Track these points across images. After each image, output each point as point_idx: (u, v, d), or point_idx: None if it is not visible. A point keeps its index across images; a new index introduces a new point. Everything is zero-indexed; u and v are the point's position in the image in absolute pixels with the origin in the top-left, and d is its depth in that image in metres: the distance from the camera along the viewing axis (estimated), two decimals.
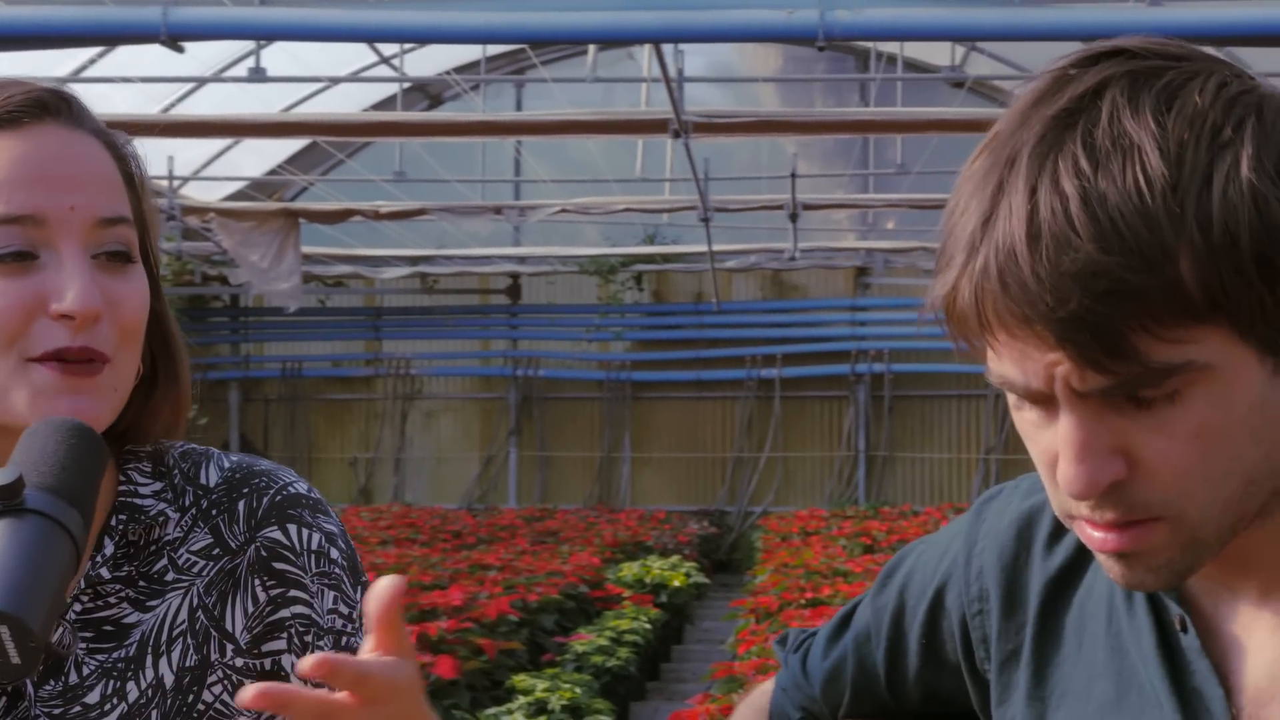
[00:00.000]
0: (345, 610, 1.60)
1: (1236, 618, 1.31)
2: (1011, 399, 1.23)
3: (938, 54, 15.34)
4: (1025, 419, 1.23)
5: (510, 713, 6.96)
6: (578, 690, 7.43)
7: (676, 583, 12.03)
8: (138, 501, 1.55)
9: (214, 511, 1.58)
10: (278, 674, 1.56)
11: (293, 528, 1.59)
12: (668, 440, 18.99)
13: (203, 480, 1.60)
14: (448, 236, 17.56)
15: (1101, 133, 1.14)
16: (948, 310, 1.20)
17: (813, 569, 10.68)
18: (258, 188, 17.17)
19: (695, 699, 5.82)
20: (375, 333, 19.45)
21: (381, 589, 1.22)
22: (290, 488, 1.61)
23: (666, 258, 18.24)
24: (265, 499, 1.60)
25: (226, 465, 1.63)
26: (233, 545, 1.57)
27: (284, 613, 1.57)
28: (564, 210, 14.43)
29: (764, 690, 1.84)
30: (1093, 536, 1.22)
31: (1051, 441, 1.20)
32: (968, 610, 1.54)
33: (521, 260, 18.38)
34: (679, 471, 19.00)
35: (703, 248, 15.91)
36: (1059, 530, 1.48)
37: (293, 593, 1.57)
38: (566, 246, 18.03)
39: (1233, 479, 1.19)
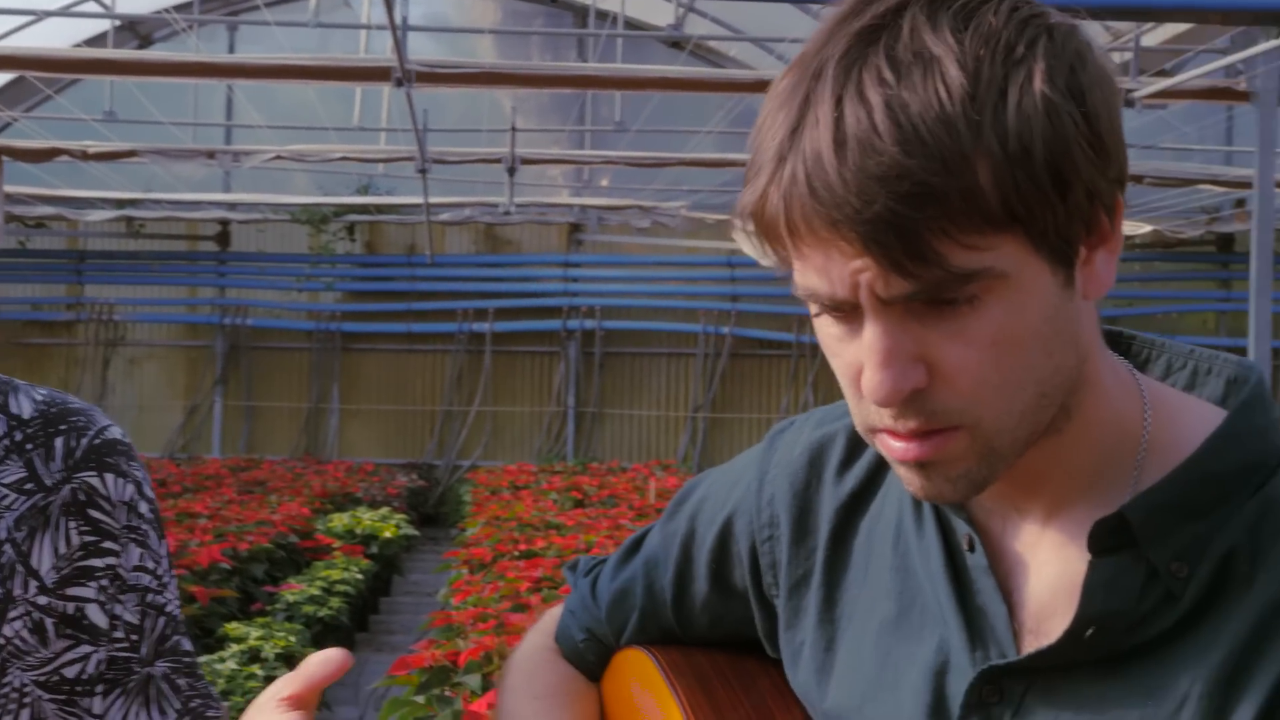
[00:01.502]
0: (151, 566, 1.59)
1: (1022, 536, 1.36)
2: (817, 316, 1.26)
3: (657, 14, 15.43)
4: (830, 334, 1.26)
5: (223, 660, 6.87)
6: (291, 639, 7.38)
7: (388, 534, 12.00)
8: None
9: (29, 445, 1.56)
10: (81, 620, 1.55)
11: (110, 476, 1.57)
12: (377, 392, 18.86)
13: (14, 410, 1.57)
14: (156, 180, 17.16)
15: (903, 46, 1.18)
16: (755, 218, 1.23)
17: (525, 522, 10.72)
18: None
19: (420, 645, 5.81)
20: (77, 277, 18.89)
21: (327, 660, 1.24)
22: (107, 431, 1.60)
23: (380, 208, 18.07)
24: (85, 440, 1.58)
25: (38, 397, 1.60)
26: (47, 483, 1.55)
27: (95, 562, 1.56)
28: (279, 157, 14.19)
29: (553, 615, 1.86)
30: (893, 447, 1.26)
31: (856, 355, 1.24)
32: (758, 536, 1.58)
33: (232, 207, 18.01)
34: (387, 424, 18.89)
35: (417, 199, 15.77)
36: (850, 458, 1.53)
37: (105, 543, 1.56)
38: (278, 194, 17.70)
39: (1026, 389, 1.23)
